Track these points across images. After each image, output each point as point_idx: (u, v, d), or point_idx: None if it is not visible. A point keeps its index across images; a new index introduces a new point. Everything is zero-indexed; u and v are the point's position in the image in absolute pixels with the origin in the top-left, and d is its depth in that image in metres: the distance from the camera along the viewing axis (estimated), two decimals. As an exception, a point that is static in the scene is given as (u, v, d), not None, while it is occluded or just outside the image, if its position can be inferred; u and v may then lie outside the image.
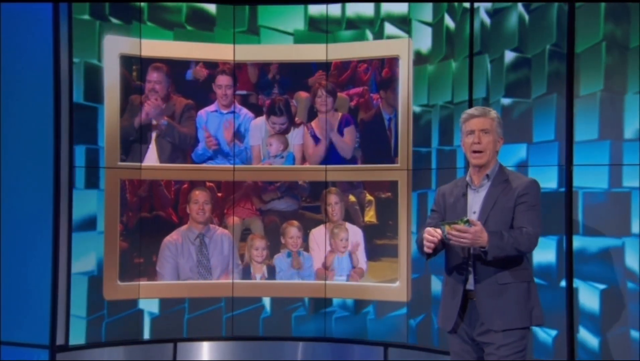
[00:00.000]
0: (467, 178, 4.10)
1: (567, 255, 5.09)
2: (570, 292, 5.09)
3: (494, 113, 4.06)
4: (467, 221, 3.71)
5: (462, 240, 3.74)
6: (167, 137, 6.30)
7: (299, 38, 6.37)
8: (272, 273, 6.38)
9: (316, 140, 6.39)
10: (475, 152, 4.02)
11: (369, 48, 6.21)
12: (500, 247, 3.78)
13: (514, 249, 3.84)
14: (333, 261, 6.31)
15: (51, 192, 5.85)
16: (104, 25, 6.05)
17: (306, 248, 6.37)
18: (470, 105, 5.50)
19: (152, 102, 6.23)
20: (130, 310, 6.15)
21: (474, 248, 3.91)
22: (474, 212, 4.00)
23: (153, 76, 6.27)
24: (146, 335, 6.21)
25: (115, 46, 6.10)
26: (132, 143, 6.19)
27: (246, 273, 6.37)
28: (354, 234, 6.29)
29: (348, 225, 6.31)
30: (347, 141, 6.31)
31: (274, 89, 6.42)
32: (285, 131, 6.42)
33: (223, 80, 6.40)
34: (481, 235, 3.73)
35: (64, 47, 5.88)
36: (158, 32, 6.25)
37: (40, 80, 5.87)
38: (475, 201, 4.03)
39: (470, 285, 3.97)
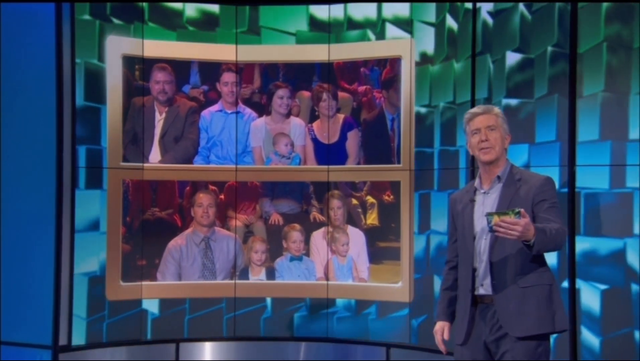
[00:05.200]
0: (476, 182, 3.95)
1: (570, 256, 5.08)
2: (573, 293, 5.08)
3: (497, 110, 3.90)
4: (518, 213, 3.50)
5: (511, 232, 3.52)
6: (171, 150, 6.32)
7: (301, 39, 6.38)
8: (271, 276, 6.37)
9: (317, 143, 6.39)
10: (483, 148, 3.85)
11: (371, 48, 6.21)
12: (544, 242, 3.60)
13: (554, 245, 3.68)
14: (334, 269, 6.31)
15: (54, 192, 5.87)
16: (106, 25, 6.06)
17: (307, 252, 6.37)
18: (473, 106, 5.49)
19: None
20: (132, 311, 6.15)
21: (490, 252, 3.79)
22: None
23: (159, 76, 6.27)
24: (148, 336, 6.22)
25: (118, 47, 6.10)
26: (135, 143, 6.19)
27: (244, 275, 6.37)
28: (356, 238, 6.29)
29: (350, 228, 6.30)
30: (350, 146, 6.30)
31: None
32: (292, 101, 6.40)
33: (229, 77, 6.39)
34: (530, 228, 3.53)
35: (67, 48, 5.89)
36: (160, 32, 6.26)
37: (43, 81, 5.89)
38: (487, 204, 3.86)
39: (484, 290, 3.82)
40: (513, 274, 3.77)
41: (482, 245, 3.83)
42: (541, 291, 3.78)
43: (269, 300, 6.34)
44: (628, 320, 4.93)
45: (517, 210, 3.52)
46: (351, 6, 6.25)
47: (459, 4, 5.70)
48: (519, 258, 3.75)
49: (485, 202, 3.88)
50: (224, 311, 6.33)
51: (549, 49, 5.19)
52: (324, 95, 6.35)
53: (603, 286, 5.01)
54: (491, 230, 3.55)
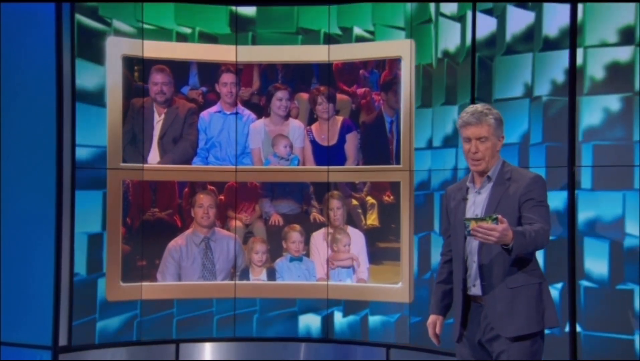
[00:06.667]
0: (469, 181, 3.97)
1: (570, 255, 5.10)
2: (573, 292, 5.09)
3: (491, 117, 3.84)
4: (496, 218, 3.55)
5: (488, 237, 3.56)
6: (170, 152, 6.32)
7: (300, 40, 6.40)
8: (271, 277, 6.37)
9: (315, 146, 6.40)
10: (473, 160, 3.88)
11: (371, 49, 6.22)
12: (523, 245, 3.63)
13: (534, 246, 3.72)
14: (333, 272, 6.32)
15: (54, 192, 5.87)
16: (106, 26, 6.06)
17: (307, 252, 6.37)
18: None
19: None
20: (132, 311, 6.15)
21: (479, 254, 3.82)
22: (476, 215, 3.86)
23: (157, 78, 6.27)
24: (147, 336, 6.21)
25: (118, 47, 6.11)
26: (134, 144, 6.19)
27: (244, 276, 6.37)
28: (356, 240, 6.29)
29: (350, 229, 6.31)
30: (349, 148, 6.32)
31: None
32: (291, 103, 6.41)
33: (228, 77, 6.40)
34: (507, 233, 3.56)
35: (67, 48, 5.89)
36: (161, 32, 6.26)
37: (43, 81, 5.88)
38: (477, 203, 3.89)
39: (476, 291, 3.85)
40: (502, 275, 3.79)
41: (472, 246, 3.86)
42: (530, 291, 3.80)
43: (269, 300, 6.34)
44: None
45: (494, 216, 3.57)
46: (351, 7, 6.27)
47: (456, 4, 5.72)
48: (507, 258, 3.75)
49: (476, 201, 3.91)
50: (214, 313, 6.33)
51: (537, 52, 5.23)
52: (319, 99, 6.36)
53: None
54: (469, 234, 3.61)
